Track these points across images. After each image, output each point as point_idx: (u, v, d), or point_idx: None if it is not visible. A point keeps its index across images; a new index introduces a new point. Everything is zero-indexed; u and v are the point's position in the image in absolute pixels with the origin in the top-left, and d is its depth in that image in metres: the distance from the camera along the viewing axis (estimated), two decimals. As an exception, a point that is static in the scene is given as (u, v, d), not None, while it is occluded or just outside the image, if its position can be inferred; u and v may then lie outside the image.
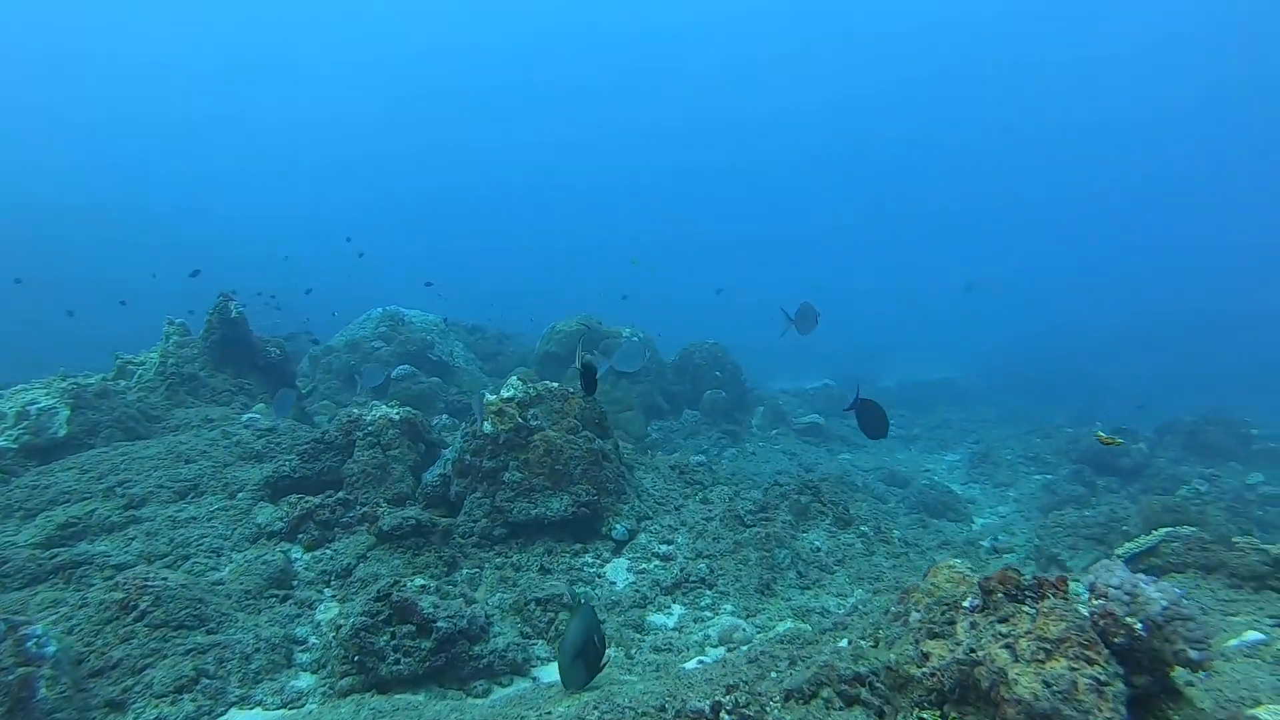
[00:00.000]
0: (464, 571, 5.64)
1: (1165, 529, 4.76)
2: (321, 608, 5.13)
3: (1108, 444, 4.68)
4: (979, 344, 29.62)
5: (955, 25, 56.42)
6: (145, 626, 4.14)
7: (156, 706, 3.72)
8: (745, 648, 4.78)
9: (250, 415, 8.05)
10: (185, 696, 3.86)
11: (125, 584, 4.26)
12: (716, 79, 66.50)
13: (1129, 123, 54.99)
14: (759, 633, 4.95)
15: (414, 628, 4.37)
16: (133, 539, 5.46)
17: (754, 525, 6.04)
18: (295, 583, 5.41)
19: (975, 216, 60.96)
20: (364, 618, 4.37)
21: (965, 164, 62.51)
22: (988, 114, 60.09)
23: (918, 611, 3.49)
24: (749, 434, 12.87)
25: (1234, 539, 4.58)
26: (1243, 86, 49.49)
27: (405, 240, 55.28)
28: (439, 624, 4.35)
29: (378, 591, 4.49)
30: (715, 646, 4.83)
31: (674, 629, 5.07)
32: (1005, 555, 8.85)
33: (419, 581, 4.67)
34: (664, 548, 5.97)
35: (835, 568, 5.77)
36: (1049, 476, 12.52)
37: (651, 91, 68.74)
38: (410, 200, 66.44)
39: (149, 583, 4.34)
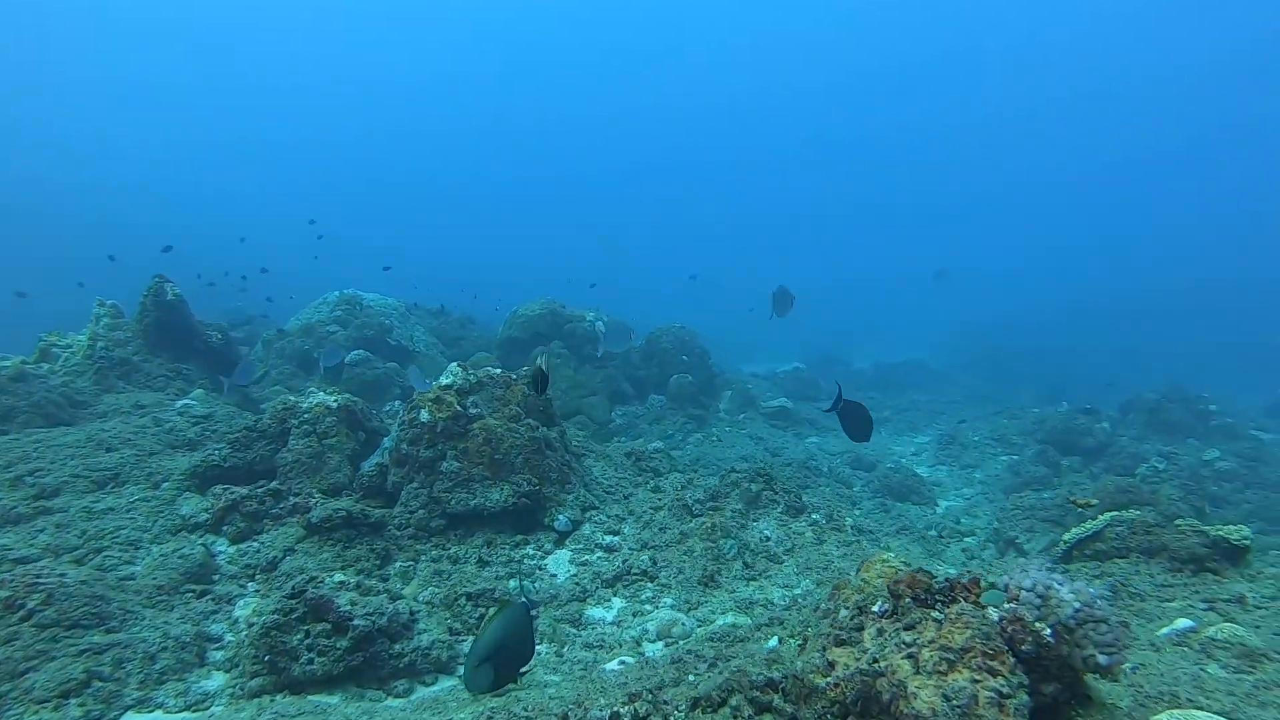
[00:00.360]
0: (398, 564, 5.41)
1: (1110, 513, 4.66)
2: (241, 603, 4.87)
3: (1082, 506, 4.78)
4: (948, 326, 29.88)
5: (929, 16, 56.37)
6: (33, 627, 3.86)
7: (35, 713, 3.45)
8: (684, 643, 4.62)
9: (185, 401, 7.69)
10: (72, 701, 3.60)
11: (11, 581, 3.96)
12: (690, 65, 65.75)
13: (1090, 108, 55.74)
14: (700, 626, 4.79)
15: (329, 626, 4.14)
16: (40, 531, 5.14)
17: (701, 515, 5.86)
18: (216, 577, 5.14)
19: (943, 204, 61.64)
20: (276, 615, 4.12)
21: (937, 154, 62.93)
22: (957, 105, 60.44)
23: (846, 609, 3.33)
24: (716, 419, 12.72)
25: (1176, 521, 4.49)
26: (1200, 69, 50.08)
27: (375, 225, 54.20)
28: (356, 622, 4.13)
29: (292, 588, 4.25)
30: (653, 641, 4.66)
31: (612, 623, 4.89)
32: (966, 538, 8.83)
33: (338, 577, 4.43)
34: (609, 538, 5.78)
35: (784, 557, 5.62)
36: (1014, 457, 12.55)
37: (626, 78, 67.86)
38: (383, 184, 65.07)
39: (40, 579, 4.05)
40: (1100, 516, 4.63)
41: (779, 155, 66.29)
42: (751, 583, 5.33)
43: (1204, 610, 3.50)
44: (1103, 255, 49.08)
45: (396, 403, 9.59)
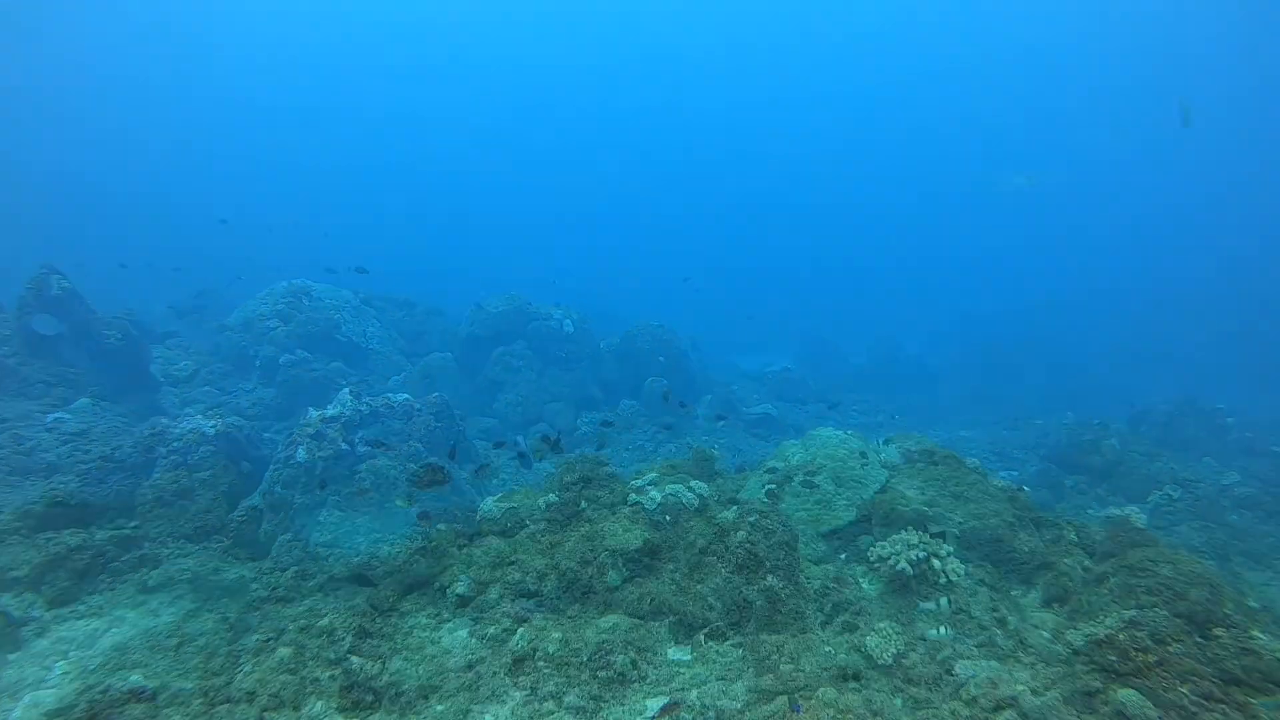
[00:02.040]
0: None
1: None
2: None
3: None
4: (945, 317, 28.98)
5: (934, 22, 54.65)
6: None
7: None
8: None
9: (59, 414, 6.70)
10: None
11: None
12: (693, 70, 64.31)
13: (1084, 112, 54.46)
14: (608, 736, 3.82)
15: (106, 757, 3.17)
16: None
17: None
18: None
19: (939, 203, 60.78)
20: (36, 743, 3.16)
21: (941, 152, 61.76)
22: (959, 106, 59.11)
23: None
24: (692, 426, 11.72)
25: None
26: (1203, 66, 48.48)
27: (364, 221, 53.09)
28: (138, 754, 3.16)
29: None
30: (547, 759, 3.70)
31: (503, 730, 3.92)
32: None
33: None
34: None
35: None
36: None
37: (623, 78, 66.45)
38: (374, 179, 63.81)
39: None
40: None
41: (776, 156, 65.43)
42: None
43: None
44: (1110, 249, 47.99)
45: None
